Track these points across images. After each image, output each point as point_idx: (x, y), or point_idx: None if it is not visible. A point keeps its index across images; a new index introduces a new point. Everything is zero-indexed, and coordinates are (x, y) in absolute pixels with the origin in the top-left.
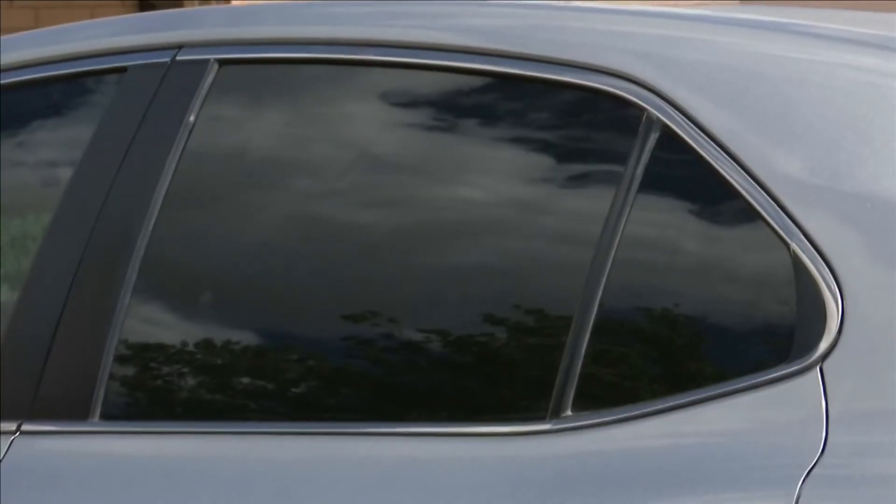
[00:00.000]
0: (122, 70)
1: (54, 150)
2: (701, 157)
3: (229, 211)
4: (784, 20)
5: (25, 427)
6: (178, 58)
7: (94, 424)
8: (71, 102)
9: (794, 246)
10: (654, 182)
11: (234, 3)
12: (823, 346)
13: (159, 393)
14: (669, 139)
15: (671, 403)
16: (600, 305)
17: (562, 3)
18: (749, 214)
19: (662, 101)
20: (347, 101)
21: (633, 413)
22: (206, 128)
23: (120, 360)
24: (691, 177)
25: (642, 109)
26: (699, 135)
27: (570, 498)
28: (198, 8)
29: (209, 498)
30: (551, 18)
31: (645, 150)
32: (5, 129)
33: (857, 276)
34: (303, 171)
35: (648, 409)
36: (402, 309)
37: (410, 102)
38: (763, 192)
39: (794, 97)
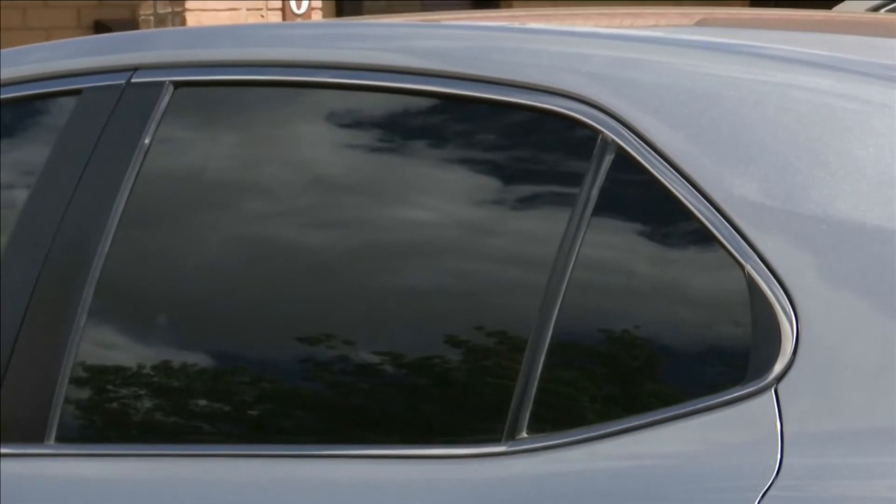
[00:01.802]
0: (77, 92)
1: (9, 172)
2: (656, 179)
3: (185, 233)
4: (740, 42)
5: None
6: (133, 80)
7: (50, 447)
8: (26, 125)
9: (748, 268)
10: (609, 204)
11: (189, 25)
12: (778, 367)
13: (115, 415)
14: (624, 161)
15: (627, 425)
16: (556, 327)
17: (516, 25)
18: (704, 236)
19: (617, 124)
20: (303, 123)
21: (588, 435)
22: (161, 150)
23: (76, 382)
24: (646, 199)
25: (597, 132)
26: (654, 157)
27: None
28: (153, 30)
29: None
30: (506, 40)
31: (600, 172)
32: None
33: (811, 298)
34: (258, 192)
35: (604, 431)
36: (359, 331)
37: (366, 125)
38: (718, 214)
39: (749, 119)
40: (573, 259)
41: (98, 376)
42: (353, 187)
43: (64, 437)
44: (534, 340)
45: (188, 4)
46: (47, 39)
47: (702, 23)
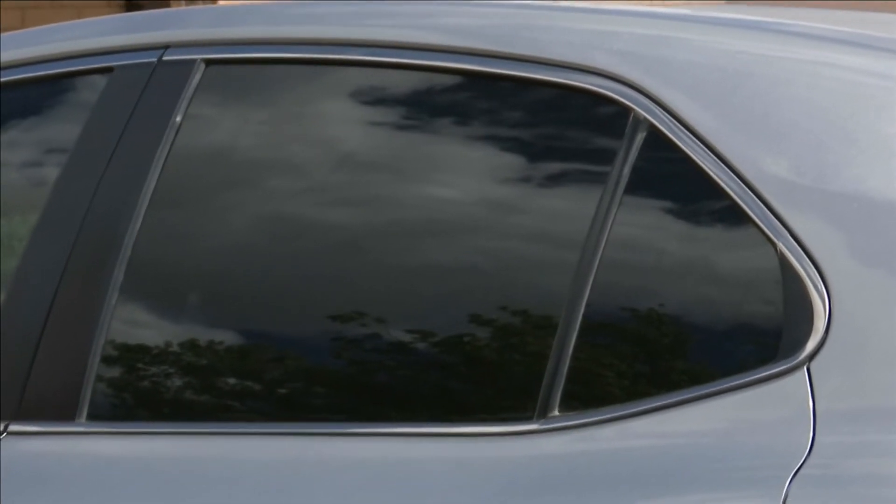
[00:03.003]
0: (109, 70)
1: (41, 150)
2: (688, 156)
3: (216, 211)
4: (770, 20)
5: (12, 428)
6: (164, 58)
7: (81, 425)
8: (57, 102)
9: (780, 246)
10: (641, 182)
11: (220, 3)
12: (810, 345)
13: (146, 393)
14: (656, 139)
15: (658, 403)
16: (587, 305)
17: (548, 3)
18: (736, 214)
19: (649, 101)
20: (334, 101)
21: (620, 413)
22: (192, 128)
23: (107, 360)
24: (678, 177)
25: (629, 109)
26: (686, 135)
27: (557, 498)
28: (184, 8)
29: (195, 498)
30: (537, 18)
31: (632, 150)
32: None
33: (843, 276)
34: (289, 170)
35: (636, 409)
36: (390, 309)
37: (398, 103)
38: (750, 192)
39: (781, 97)
40: (605, 237)
41: (129, 355)
42: (385, 165)
43: (95, 415)
44: (565, 319)
45: None
46: (78, 17)
47: (733, 0)
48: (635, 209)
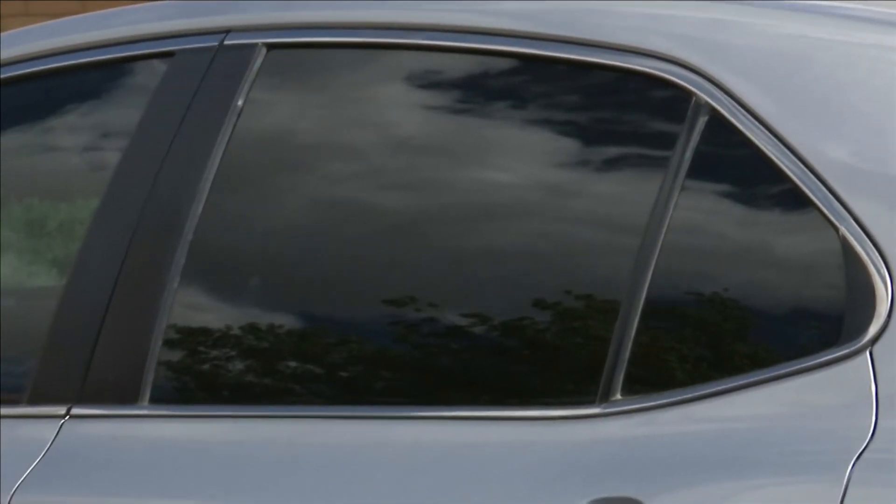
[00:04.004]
0: (170, 54)
1: (102, 134)
2: (750, 141)
3: (277, 195)
4: (831, 3)
5: (75, 411)
6: (225, 42)
7: (144, 408)
8: (119, 87)
9: (843, 230)
10: (703, 166)
11: None
12: (873, 329)
13: (208, 377)
14: (718, 123)
15: (720, 387)
16: (649, 289)
17: None
18: (798, 199)
19: (711, 85)
20: (395, 85)
21: (682, 397)
22: (254, 112)
23: (169, 344)
24: (740, 161)
25: (690, 93)
26: (748, 119)
27: (619, 482)
28: None
29: (257, 481)
30: (598, 2)
31: (693, 134)
32: (54, 113)
33: None
34: (349, 154)
35: (697, 393)
36: (451, 293)
37: (458, 87)
38: (812, 176)
39: (842, 81)
40: (667, 221)
41: (190, 338)
42: (446, 149)
43: (157, 399)
44: (627, 303)
45: None
46: (139, 2)
47: None
48: (697, 193)
